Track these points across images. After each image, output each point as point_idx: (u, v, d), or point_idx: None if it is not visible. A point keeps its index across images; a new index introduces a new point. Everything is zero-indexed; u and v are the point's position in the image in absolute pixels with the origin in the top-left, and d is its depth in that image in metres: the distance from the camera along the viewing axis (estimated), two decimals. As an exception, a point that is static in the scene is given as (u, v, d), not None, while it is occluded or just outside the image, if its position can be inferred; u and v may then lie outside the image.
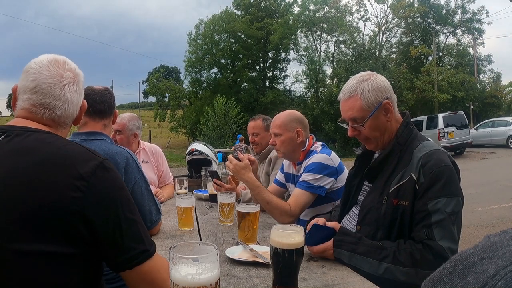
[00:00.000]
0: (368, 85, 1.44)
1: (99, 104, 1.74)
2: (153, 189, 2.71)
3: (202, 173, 2.89)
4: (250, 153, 2.94)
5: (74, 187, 0.84)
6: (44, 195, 0.82)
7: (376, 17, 30.00)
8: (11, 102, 1.07)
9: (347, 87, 1.49)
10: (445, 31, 29.64)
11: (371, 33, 29.77)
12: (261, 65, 32.45)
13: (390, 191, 1.38)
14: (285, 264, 1.04)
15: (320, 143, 2.23)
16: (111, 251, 0.90)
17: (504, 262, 0.35)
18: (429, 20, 29.22)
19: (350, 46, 29.48)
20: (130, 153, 1.72)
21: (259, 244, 1.54)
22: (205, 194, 2.73)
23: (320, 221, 1.54)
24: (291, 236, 1.05)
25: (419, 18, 29.22)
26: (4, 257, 0.80)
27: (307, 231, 1.37)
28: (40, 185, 0.83)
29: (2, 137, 0.91)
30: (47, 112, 0.99)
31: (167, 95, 31.51)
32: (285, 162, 2.40)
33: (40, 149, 0.89)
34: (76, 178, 0.85)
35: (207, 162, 3.45)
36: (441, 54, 29.14)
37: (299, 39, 30.94)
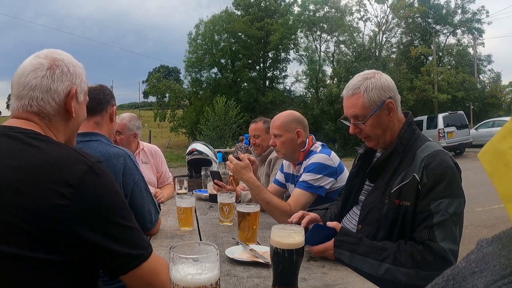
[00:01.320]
0: (372, 83, 1.44)
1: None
2: (152, 189, 2.72)
3: (202, 173, 2.89)
4: (251, 154, 2.94)
5: (60, 194, 0.80)
6: (29, 202, 0.79)
7: (376, 17, 30.05)
8: None
9: (351, 84, 1.49)
10: (445, 31, 29.67)
11: (371, 33, 29.82)
12: (261, 65, 32.47)
13: (392, 191, 1.38)
14: (285, 264, 1.04)
15: (320, 143, 2.23)
16: (102, 258, 0.87)
17: (494, 276, 0.35)
18: (429, 20, 29.22)
19: (350, 46, 29.49)
20: (128, 153, 1.66)
21: (259, 244, 1.54)
22: (205, 194, 2.72)
23: (308, 216, 1.54)
24: (291, 236, 1.05)
25: (419, 18, 29.22)
26: None
27: (308, 231, 1.37)
28: (26, 191, 0.80)
29: None
30: (20, 104, 0.94)
31: (167, 95, 31.52)
32: (285, 162, 2.40)
33: (26, 153, 0.85)
34: (63, 184, 0.81)
35: (207, 162, 3.45)
36: (441, 54, 29.13)
37: (299, 39, 31.00)
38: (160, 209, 2.44)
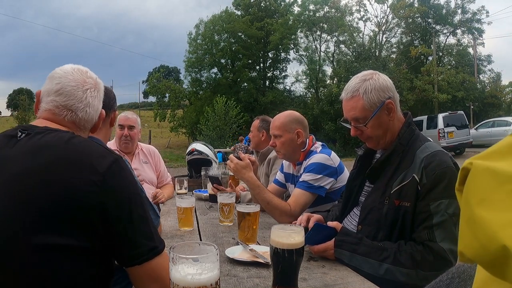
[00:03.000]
0: (371, 85, 1.43)
1: None
2: (153, 189, 2.72)
3: (202, 173, 2.89)
4: (251, 154, 2.95)
5: (90, 182, 0.88)
6: (60, 190, 0.86)
7: (376, 17, 30.02)
8: (34, 106, 1.13)
9: (350, 87, 1.48)
10: (445, 31, 29.65)
11: (371, 33, 29.79)
12: (261, 65, 32.45)
13: (392, 191, 1.38)
14: (285, 264, 1.04)
15: (320, 143, 2.23)
16: (122, 246, 0.92)
17: None
18: (429, 20, 29.21)
19: (350, 46, 29.48)
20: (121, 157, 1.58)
21: (259, 244, 1.54)
22: (205, 194, 2.73)
23: (313, 218, 1.54)
24: (291, 236, 1.05)
25: (419, 18, 29.21)
26: (20, 248, 0.83)
27: (308, 230, 1.37)
28: (57, 180, 0.87)
29: (23, 135, 0.96)
30: (69, 114, 1.06)
31: (167, 95, 31.51)
32: (285, 162, 2.40)
33: (58, 146, 0.93)
34: (93, 173, 0.89)
35: (207, 162, 3.45)
36: (441, 54, 29.12)
37: (299, 39, 30.98)
38: (160, 210, 2.44)
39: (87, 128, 1.13)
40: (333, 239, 1.36)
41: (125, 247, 0.93)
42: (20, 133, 0.97)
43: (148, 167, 2.84)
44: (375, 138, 1.49)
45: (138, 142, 2.88)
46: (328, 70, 30.48)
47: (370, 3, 32.61)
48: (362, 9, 29.49)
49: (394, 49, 30.84)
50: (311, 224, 1.51)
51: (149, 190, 2.64)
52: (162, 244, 0.98)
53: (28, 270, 0.83)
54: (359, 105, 1.44)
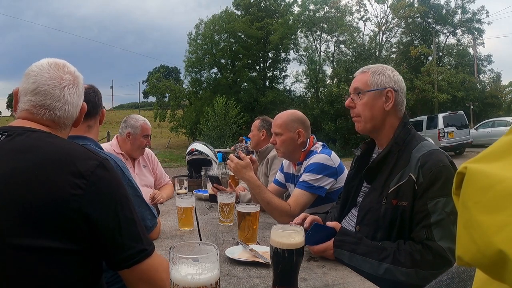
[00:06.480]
0: (382, 71, 1.52)
1: None
2: (150, 191, 2.72)
3: (202, 173, 2.89)
4: (251, 153, 2.95)
5: (74, 184, 0.86)
6: (45, 192, 0.84)
7: (376, 17, 29.98)
8: (13, 105, 1.10)
9: (365, 67, 1.58)
10: (445, 31, 29.63)
11: (371, 33, 29.75)
12: (261, 65, 32.44)
13: (389, 191, 1.38)
14: (285, 264, 1.05)
15: (320, 143, 2.23)
16: (110, 249, 0.91)
17: None
18: (429, 20, 29.20)
19: (350, 46, 29.46)
20: (115, 159, 1.55)
21: (259, 244, 1.54)
22: (205, 194, 2.73)
23: (309, 218, 1.54)
24: (291, 236, 1.05)
25: (419, 18, 29.19)
26: (5, 252, 0.82)
27: (307, 231, 1.37)
28: (41, 182, 0.85)
29: (4, 136, 0.93)
30: (47, 113, 1.02)
31: (167, 95, 31.53)
32: (285, 162, 2.40)
33: (41, 148, 0.91)
34: (76, 176, 0.87)
35: (207, 162, 3.45)
36: (441, 54, 29.10)
37: (299, 39, 30.94)
38: (160, 210, 2.44)
39: (68, 125, 1.10)
40: (333, 239, 1.36)
41: (113, 250, 0.91)
42: (0, 135, 0.94)
43: (147, 170, 2.84)
44: (362, 118, 1.52)
45: None
46: (328, 70, 30.48)
47: (370, 3, 32.59)
48: (362, 9, 29.47)
49: (394, 49, 30.83)
50: (307, 223, 1.51)
51: (149, 193, 2.63)
52: (151, 246, 0.97)
53: (12, 272, 0.82)
54: (364, 78, 1.52)
